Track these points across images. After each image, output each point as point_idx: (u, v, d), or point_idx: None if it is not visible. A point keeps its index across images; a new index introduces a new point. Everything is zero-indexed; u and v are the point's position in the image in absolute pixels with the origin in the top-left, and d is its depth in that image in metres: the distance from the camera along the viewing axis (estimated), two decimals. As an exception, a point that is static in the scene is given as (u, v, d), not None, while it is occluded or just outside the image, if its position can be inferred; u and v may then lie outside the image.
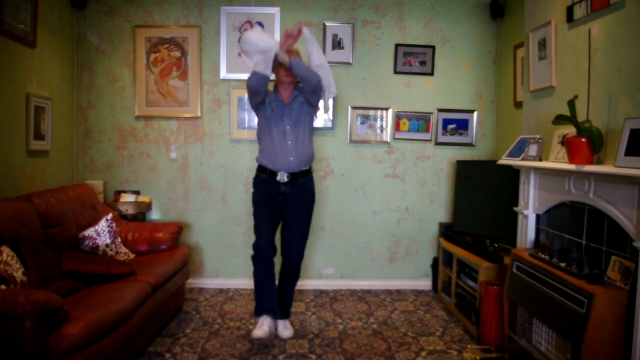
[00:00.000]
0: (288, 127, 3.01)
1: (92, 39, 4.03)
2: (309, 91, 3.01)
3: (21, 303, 1.89)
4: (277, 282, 3.16)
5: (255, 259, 2.96)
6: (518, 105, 3.71)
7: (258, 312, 2.99)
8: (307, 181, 3.09)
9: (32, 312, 1.91)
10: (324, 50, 4.08)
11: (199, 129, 4.10)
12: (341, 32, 4.08)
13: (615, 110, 2.25)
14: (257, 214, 3.05)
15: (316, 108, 3.18)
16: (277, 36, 4.02)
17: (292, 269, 3.16)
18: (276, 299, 3.02)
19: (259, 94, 2.99)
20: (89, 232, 3.12)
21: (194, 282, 4.12)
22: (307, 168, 3.10)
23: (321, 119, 4.12)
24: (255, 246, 2.95)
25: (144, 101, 4.05)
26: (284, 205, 3.05)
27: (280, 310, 3.13)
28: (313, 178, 3.17)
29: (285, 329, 3.15)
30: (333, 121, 4.12)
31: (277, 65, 2.98)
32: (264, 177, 3.05)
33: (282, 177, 3.00)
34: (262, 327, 2.90)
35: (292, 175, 3.01)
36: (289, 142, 3.00)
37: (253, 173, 3.16)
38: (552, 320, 2.35)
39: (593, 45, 2.42)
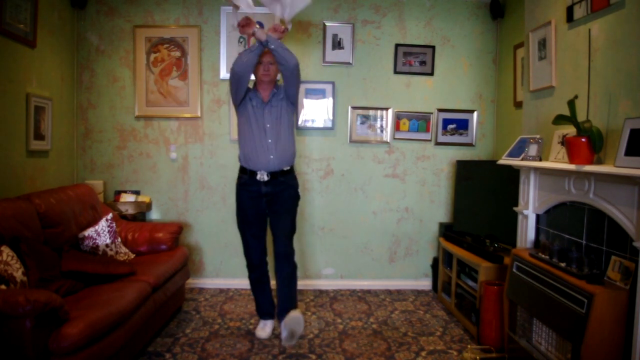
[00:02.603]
0: (268, 125, 2.99)
1: (92, 39, 4.03)
2: (287, 77, 2.95)
3: (21, 303, 1.89)
4: (274, 282, 3.15)
5: (248, 270, 3.22)
6: (518, 105, 3.71)
7: (259, 315, 3.27)
8: (288, 179, 3.05)
9: (32, 312, 1.91)
10: (324, 51, 4.08)
11: (199, 129, 4.10)
12: (341, 32, 4.08)
13: (615, 110, 2.25)
14: (242, 230, 3.12)
15: (295, 105, 3.15)
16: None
17: (285, 266, 2.98)
18: (272, 302, 3.22)
19: (244, 82, 2.95)
20: (89, 232, 3.12)
21: (194, 282, 4.12)
22: (289, 168, 3.06)
23: (321, 119, 4.12)
24: (247, 265, 3.21)
25: (144, 101, 4.06)
26: (268, 207, 3.02)
27: (288, 307, 2.94)
28: (296, 177, 3.14)
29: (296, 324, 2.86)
30: (333, 121, 4.12)
31: (257, 64, 2.97)
32: (245, 180, 3.03)
33: (262, 176, 2.96)
34: (265, 328, 3.17)
35: (272, 174, 2.98)
36: (269, 141, 2.97)
37: (235, 188, 3.13)
38: (552, 320, 2.35)
39: (593, 45, 2.42)
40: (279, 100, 3.04)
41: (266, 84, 3.03)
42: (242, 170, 3.06)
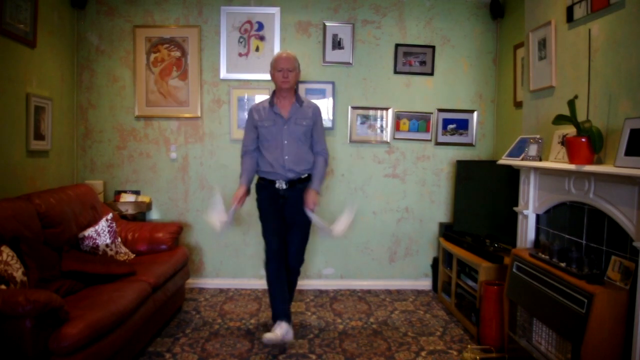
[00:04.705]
0: (286, 142, 3.00)
1: (92, 39, 4.03)
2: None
3: (21, 303, 1.89)
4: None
5: (267, 262, 3.01)
6: (518, 105, 3.71)
7: (274, 318, 2.96)
8: (306, 185, 3.08)
9: (32, 312, 1.91)
10: (323, 51, 4.08)
11: (199, 129, 4.10)
12: (341, 32, 4.08)
13: (615, 110, 2.25)
14: (264, 220, 3.08)
15: None
16: (277, 37, 4.03)
17: (291, 276, 3.14)
18: (288, 302, 3.05)
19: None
20: (89, 232, 3.12)
21: (194, 282, 4.12)
22: (307, 175, 3.08)
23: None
24: (267, 250, 3.01)
25: (144, 101, 4.06)
26: (285, 209, 3.05)
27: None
28: None
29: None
30: (333, 121, 4.12)
31: (274, 70, 2.99)
32: (264, 184, 3.09)
33: (281, 185, 3.02)
34: (275, 331, 2.86)
35: (291, 183, 3.02)
36: (286, 157, 2.99)
37: (255, 189, 3.16)
38: (552, 320, 2.35)
39: (593, 45, 2.42)
40: (300, 123, 3.01)
41: (286, 92, 3.01)
42: (262, 178, 3.10)
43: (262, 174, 3.08)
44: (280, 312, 2.95)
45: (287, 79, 2.96)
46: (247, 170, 3.09)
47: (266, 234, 3.05)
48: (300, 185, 3.04)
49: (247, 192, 3.05)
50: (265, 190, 3.08)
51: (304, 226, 3.10)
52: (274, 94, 3.07)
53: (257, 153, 3.13)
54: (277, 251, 2.98)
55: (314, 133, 3.10)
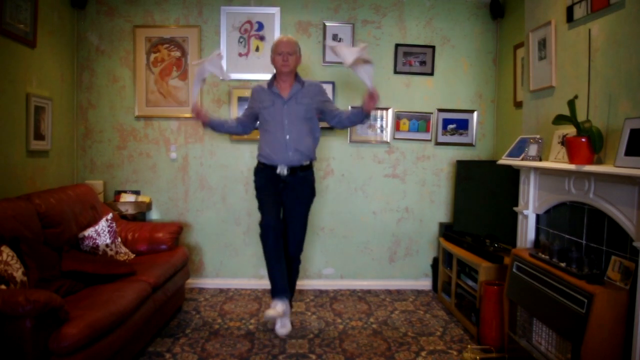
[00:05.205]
0: (287, 122, 2.95)
1: (92, 39, 4.03)
2: (341, 123, 3.12)
3: (21, 303, 1.89)
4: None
5: (263, 236, 2.84)
6: (518, 105, 3.72)
7: (273, 294, 2.86)
8: (307, 174, 3.05)
9: (32, 312, 1.92)
10: (324, 51, 4.08)
11: (199, 129, 4.10)
12: (341, 32, 4.08)
13: (615, 110, 2.25)
14: (260, 195, 3.00)
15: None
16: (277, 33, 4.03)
17: (293, 264, 3.12)
18: (287, 279, 2.93)
19: (248, 125, 3.18)
20: (89, 232, 3.12)
21: (194, 282, 4.12)
22: (308, 163, 3.04)
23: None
24: (262, 223, 2.84)
25: (144, 101, 4.06)
26: (284, 193, 2.99)
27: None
28: (314, 172, 3.13)
29: (282, 327, 2.88)
30: (333, 121, 4.12)
31: (274, 54, 2.98)
32: (264, 167, 3.02)
33: (282, 170, 2.94)
34: (276, 307, 2.78)
35: (292, 170, 2.96)
36: (287, 137, 2.94)
37: (253, 173, 3.15)
38: (552, 320, 2.35)
39: (593, 45, 2.42)
40: (302, 102, 2.97)
41: (286, 75, 2.98)
42: (262, 163, 3.03)
43: (262, 158, 3.01)
44: (280, 288, 2.83)
45: (287, 62, 2.94)
46: (221, 118, 3.12)
47: (263, 207, 2.93)
48: (301, 173, 2.99)
49: (205, 119, 3.07)
50: (263, 172, 3.01)
51: (302, 214, 3.06)
52: (274, 78, 3.04)
53: (244, 124, 3.16)
54: (274, 223, 2.83)
55: (326, 108, 3.05)
